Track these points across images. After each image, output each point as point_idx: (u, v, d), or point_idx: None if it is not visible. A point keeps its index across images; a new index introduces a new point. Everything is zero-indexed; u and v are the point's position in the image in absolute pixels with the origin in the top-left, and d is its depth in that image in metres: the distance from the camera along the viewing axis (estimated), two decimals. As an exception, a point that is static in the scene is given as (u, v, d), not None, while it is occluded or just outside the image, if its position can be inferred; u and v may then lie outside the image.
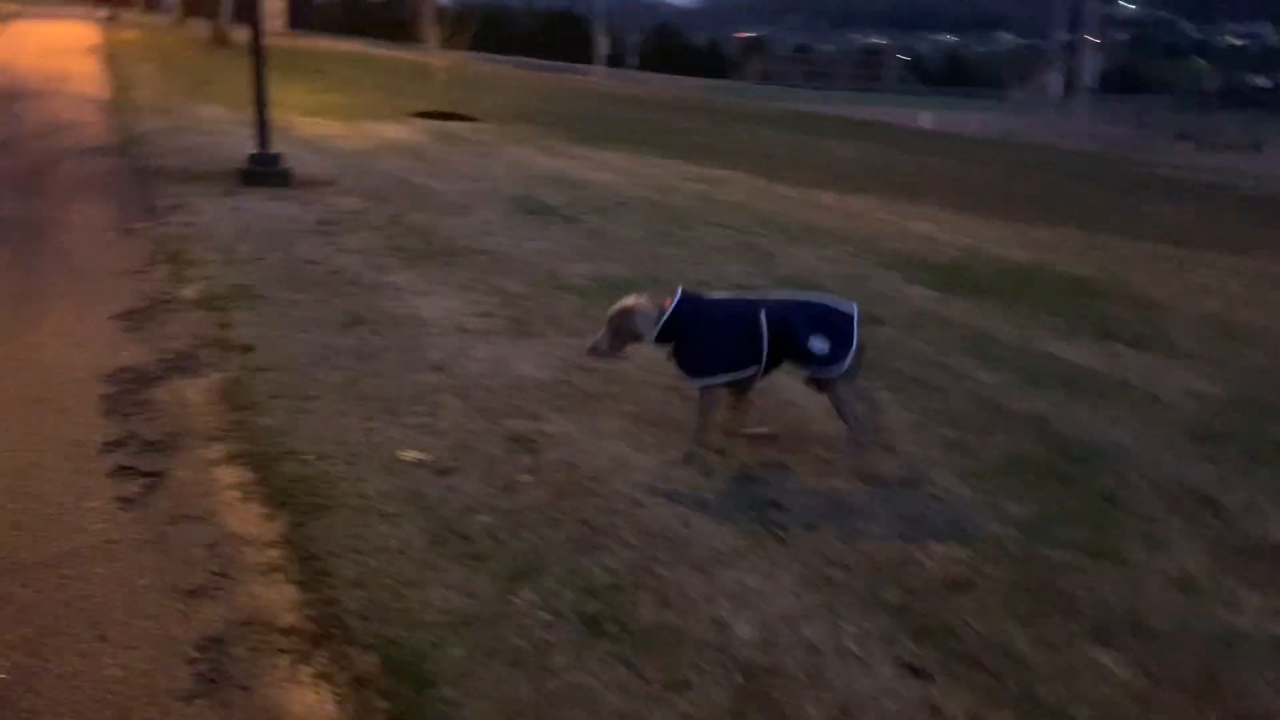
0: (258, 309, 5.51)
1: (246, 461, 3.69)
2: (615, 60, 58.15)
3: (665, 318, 3.76)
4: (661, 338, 3.83)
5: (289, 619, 2.75)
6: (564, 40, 61.50)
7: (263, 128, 9.53)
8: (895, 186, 14.30)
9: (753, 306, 3.84)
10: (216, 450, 3.80)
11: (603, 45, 48.75)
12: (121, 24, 36.39)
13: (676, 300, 3.79)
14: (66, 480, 3.47)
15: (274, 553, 3.08)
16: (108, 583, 2.88)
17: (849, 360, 3.72)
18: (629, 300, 3.88)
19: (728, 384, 3.93)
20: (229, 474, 3.60)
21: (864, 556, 3.32)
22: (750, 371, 3.85)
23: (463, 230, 8.22)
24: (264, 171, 9.42)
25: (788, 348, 3.79)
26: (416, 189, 10.08)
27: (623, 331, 3.86)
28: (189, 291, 5.75)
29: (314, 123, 15.06)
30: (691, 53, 76.44)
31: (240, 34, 31.40)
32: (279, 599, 2.84)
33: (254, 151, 9.50)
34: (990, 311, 6.97)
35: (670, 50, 73.36)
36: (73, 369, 4.49)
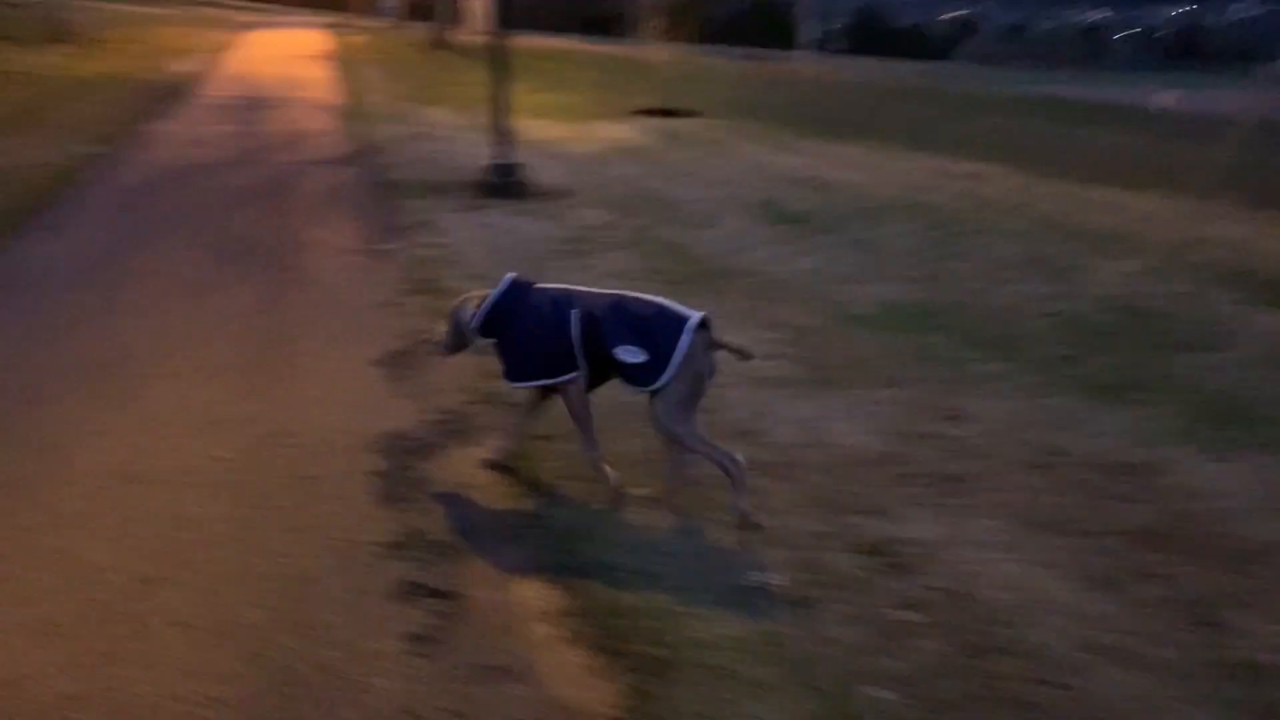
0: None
1: (554, 577, 2.94)
2: (817, 45, 56.42)
3: (485, 310, 3.40)
4: (485, 332, 3.44)
5: None
6: (764, 27, 60.07)
7: (502, 137, 8.99)
8: (1173, 181, 12.53)
9: (569, 304, 3.32)
10: (516, 555, 3.07)
11: (807, 30, 47.24)
12: (347, 30, 37.69)
13: (500, 290, 3.41)
14: (344, 602, 2.81)
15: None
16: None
17: (666, 376, 3.14)
18: (472, 292, 3.56)
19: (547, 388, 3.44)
20: (536, 596, 2.86)
21: None
22: (569, 378, 3.33)
23: (718, 246, 7.39)
24: (504, 182, 8.87)
25: (599, 354, 3.25)
26: (657, 197, 9.33)
27: (458, 326, 3.51)
28: (449, 329, 5.13)
29: (539, 125, 14.60)
30: (897, 35, 73.48)
31: (461, 35, 31.87)
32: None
33: (493, 161, 8.97)
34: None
35: (874, 33, 70.65)
36: (335, 435, 3.89)
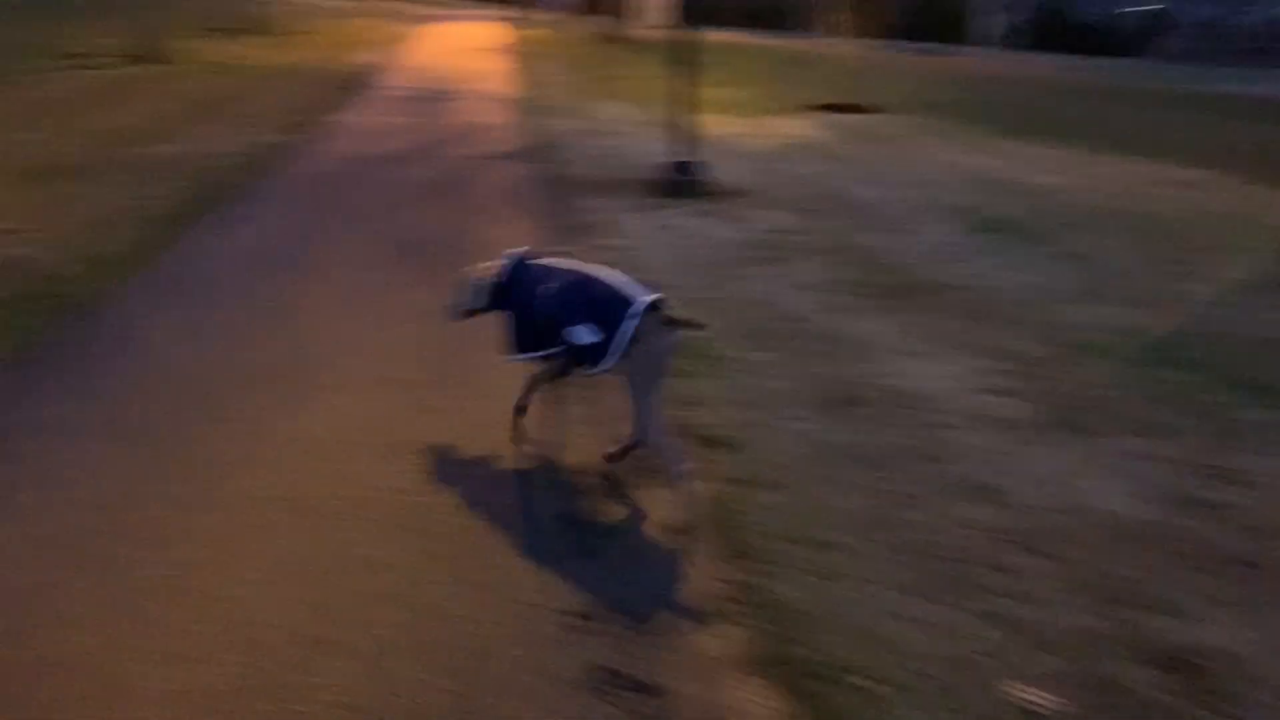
0: (723, 376, 4.30)
1: (775, 675, 2.41)
2: (992, 39, 54.18)
3: (493, 285, 3.45)
4: (495, 306, 3.46)
5: None
6: (940, 21, 58.01)
7: (683, 134, 8.50)
8: None
9: (542, 282, 3.31)
10: (726, 640, 2.56)
11: (985, 25, 45.16)
12: (523, 22, 38.11)
13: (506, 267, 3.44)
14: (527, 688, 2.35)
15: None
16: None
17: (610, 360, 3.09)
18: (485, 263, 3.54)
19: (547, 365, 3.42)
20: (756, 702, 2.34)
21: None
22: (555, 351, 3.28)
23: (920, 255, 6.70)
24: (684, 181, 8.39)
25: (557, 333, 3.21)
26: (845, 199, 8.67)
27: (474, 294, 3.53)
28: (636, 345, 4.67)
29: (715, 120, 14.05)
30: (1080, 29, 69.68)
31: (635, 29, 31.69)
32: None
33: (673, 160, 8.49)
34: None
35: (1054, 27, 67.24)
36: (516, 467, 3.47)
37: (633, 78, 20.04)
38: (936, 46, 49.29)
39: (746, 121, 14.00)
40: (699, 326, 3.24)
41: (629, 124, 12.99)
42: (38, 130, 9.46)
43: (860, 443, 3.71)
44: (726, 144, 11.34)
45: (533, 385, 3.56)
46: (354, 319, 4.96)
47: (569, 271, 3.34)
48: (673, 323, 3.14)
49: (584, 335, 3.12)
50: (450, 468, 3.44)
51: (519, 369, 3.55)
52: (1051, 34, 64.46)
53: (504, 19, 40.74)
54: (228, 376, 4.13)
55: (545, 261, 3.46)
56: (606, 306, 3.11)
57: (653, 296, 3.11)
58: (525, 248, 3.55)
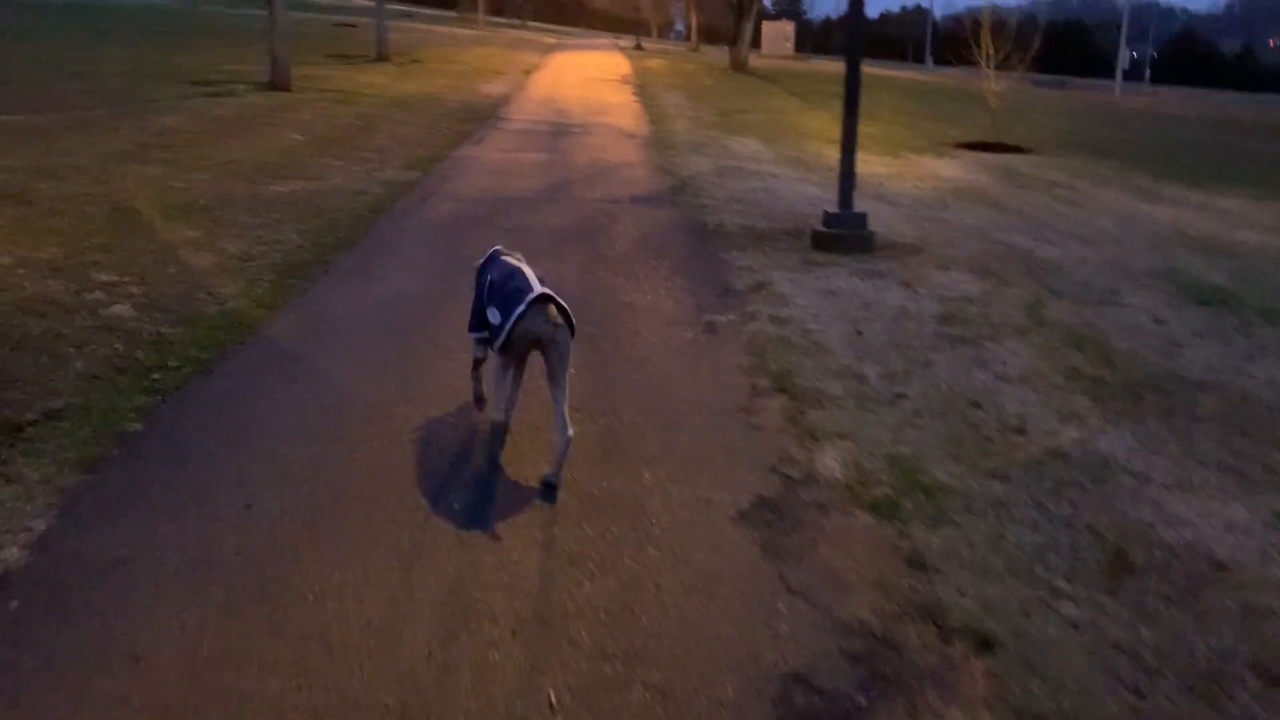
0: (950, 522, 3.32)
1: None
2: (1131, 73, 51.71)
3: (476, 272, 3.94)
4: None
5: None
6: (1073, 53, 56.06)
7: (846, 183, 7.56)
8: None
9: (494, 273, 3.79)
10: None
11: (1124, 57, 43.01)
12: (644, 52, 37.65)
13: (485, 259, 3.94)
14: None
15: None
16: None
17: (500, 337, 3.54)
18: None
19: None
20: None
21: None
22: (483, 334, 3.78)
23: (1139, 337, 5.60)
24: (843, 235, 7.44)
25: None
26: (1025, 257, 7.60)
27: None
28: (828, 466, 3.71)
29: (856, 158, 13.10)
30: (1221, 62, 66.98)
31: (755, 59, 30.84)
32: None
33: (836, 210, 7.55)
34: None
35: (1193, 60, 64.56)
36: (704, 672, 2.54)
37: (762, 110, 19.18)
38: (1067, 78, 47.22)
39: (890, 161, 12.97)
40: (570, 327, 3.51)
41: (767, 161, 12.10)
42: (156, 163, 9.04)
43: (1161, 646, 2.70)
44: (875, 186, 10.35)
45: (475, 369, 4.00)
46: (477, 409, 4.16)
47: (510, 266, 3.76)
48: (559, 315, 3.49)
49: (494, 316, 3.58)
50: (614, 673, 2.55)
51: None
52: (1188, 66, 61.53)
53: (620, 48, 40.40)
54: (336, 486, 3.33)
55: (506, 258, 3.87)
56: (513, 296, 3.51)
57: (541, 291, 3.50)
58: (500, 246, 3.99)
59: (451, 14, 60.38)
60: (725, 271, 6.66)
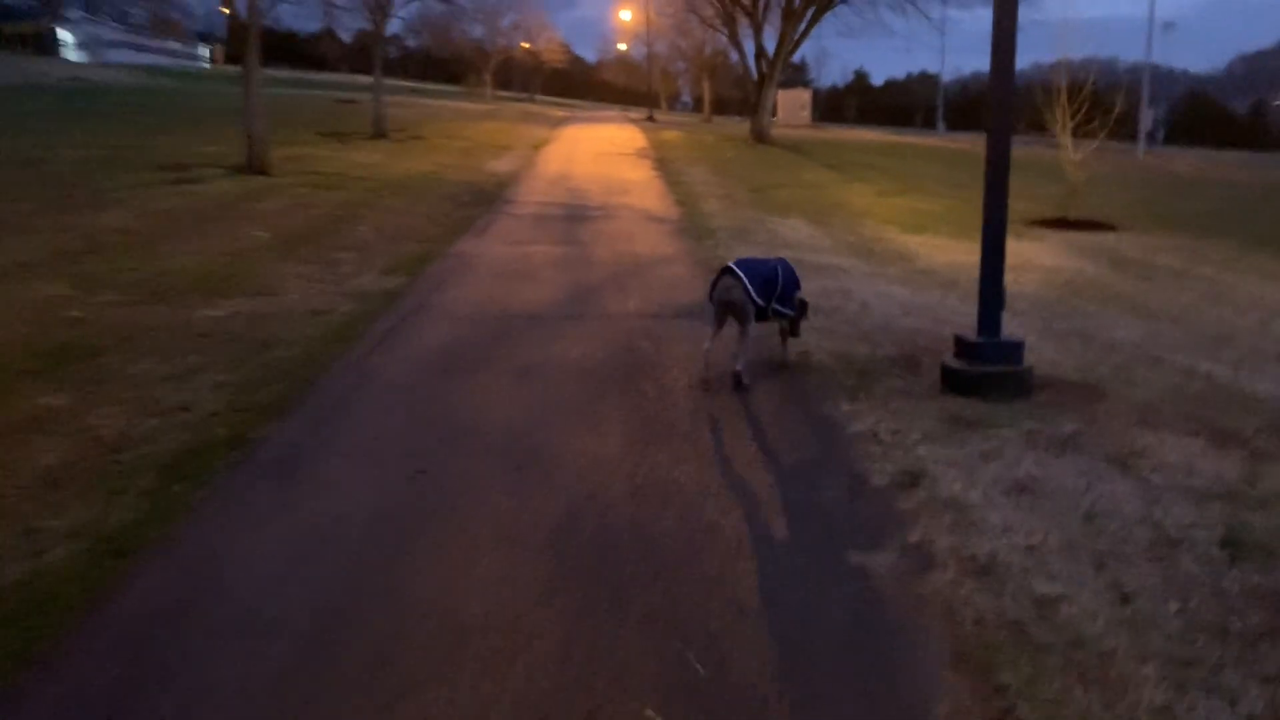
0: None
1: None
2: (1148, 135, 50.15)
3: None
4: None
5: None
6: (1079, 115, 53.57)
7: (993, 302, 5.30)
8: None
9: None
10: None
11: (1148, 119, 41.27)
12: (656, 124, 35.83)
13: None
14: None
15: None
16: None
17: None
18: None
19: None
20: None
21: None
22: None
23: None
24: (990, 374, 5.16)
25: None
26: (1237, 395, 5.33)
27: None
28: None
29: (916, 242, 10.91)
30: (1231, 123, 65.53)
31: (774, 129, 28.96)
32: None
33: (978, 339, 5.27)
34: None
35: (1204, 122, 63.10)
36: None
37: (794, 185, 17.08)
38: (1090, 141, 45.42)
39: (971, 247, 10.72)
40: None
41: (825, 250, 9.90)
42: (64, 278, 6.85)
43: None
44: (969, 283, 8.10)
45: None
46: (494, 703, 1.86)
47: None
48: None
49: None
50: None
51: None
52: (1198, 127, 59.91)
53: (631, 120, 38.74)
54: None
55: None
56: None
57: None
58: None
59: (458, 89, 59.13)
60: (841, 443, 4.38)
